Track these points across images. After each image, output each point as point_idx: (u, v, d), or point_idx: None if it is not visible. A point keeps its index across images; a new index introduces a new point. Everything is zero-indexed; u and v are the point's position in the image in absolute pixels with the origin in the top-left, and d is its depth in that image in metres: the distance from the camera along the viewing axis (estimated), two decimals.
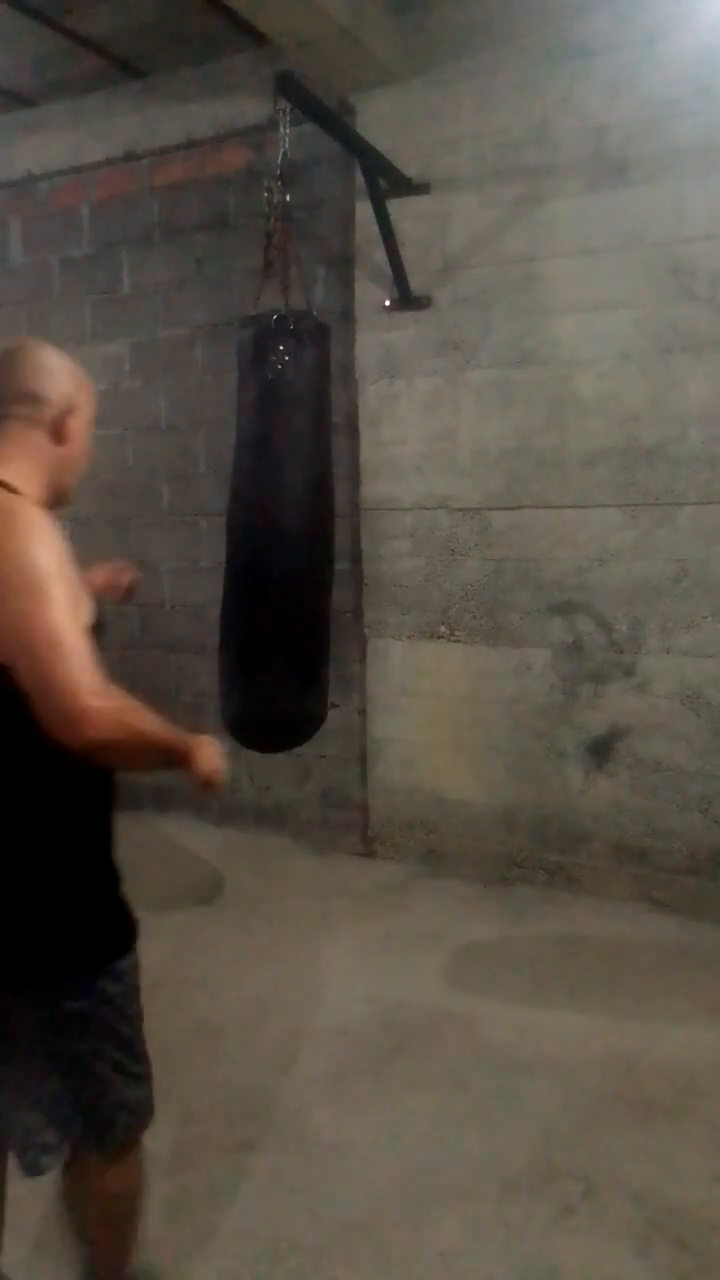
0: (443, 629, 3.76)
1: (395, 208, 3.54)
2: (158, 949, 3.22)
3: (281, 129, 2.83)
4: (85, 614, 1.45)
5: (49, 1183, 2.14)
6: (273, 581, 2.90)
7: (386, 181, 3.52)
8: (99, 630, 1.53)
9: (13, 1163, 1.66)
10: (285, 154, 2.84)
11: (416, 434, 3.73)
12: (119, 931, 1.62)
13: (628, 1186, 2.09)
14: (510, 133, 3.46)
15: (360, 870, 3.87)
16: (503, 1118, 2.33)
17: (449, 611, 3.74)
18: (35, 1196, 2.09)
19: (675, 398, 3.32)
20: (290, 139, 2.86)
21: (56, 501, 1.62)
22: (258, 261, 2.90)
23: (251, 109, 3.91)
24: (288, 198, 2.87)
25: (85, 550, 5.06)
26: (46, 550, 1.37)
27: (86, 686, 1.33)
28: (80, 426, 1.66)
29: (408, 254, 3.60)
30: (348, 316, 3.82)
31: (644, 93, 3.26)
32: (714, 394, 3.27)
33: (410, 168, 3.59)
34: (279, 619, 2.91)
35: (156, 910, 3.55)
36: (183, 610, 4.38)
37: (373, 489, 3.84)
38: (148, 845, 4.15)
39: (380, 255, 3.58)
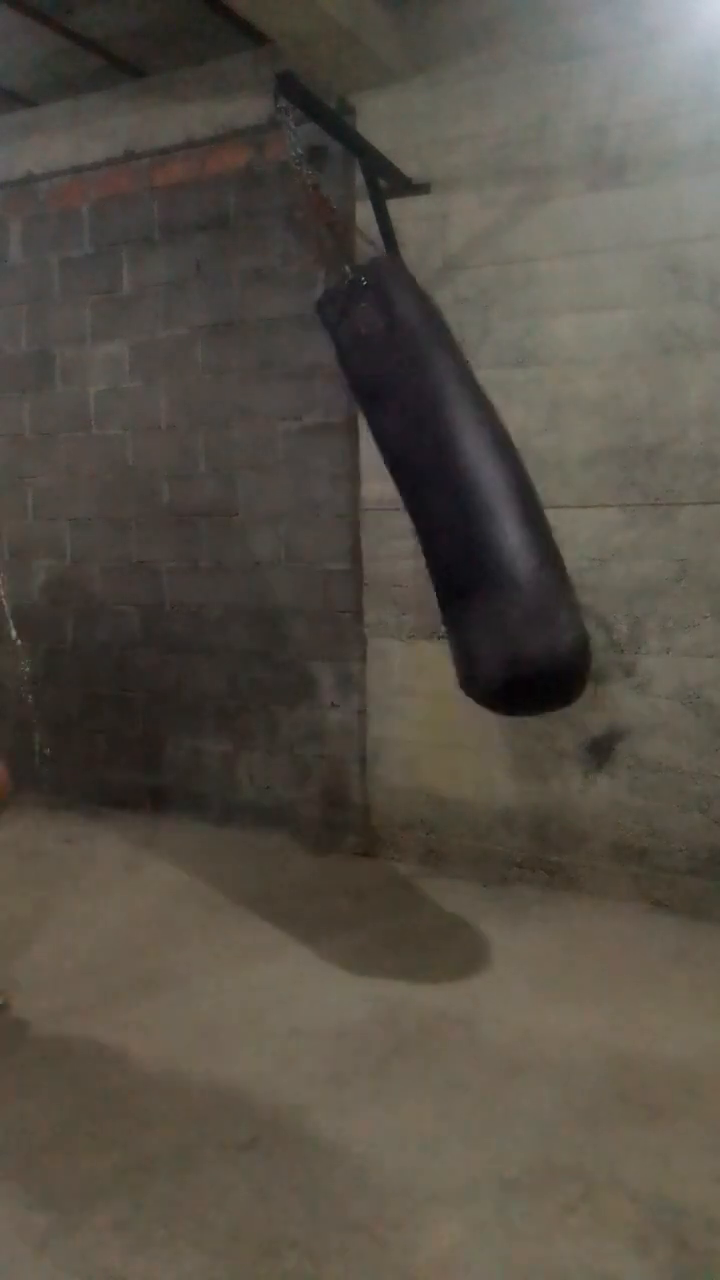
0: (443, 629, 3.75)
1: (395, 208, 3.54)
2: (158, 948, 3.23)
3: (288, 124, 2.84)
4: None
5: (50, 1182, 2.14)
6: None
7: (386, 181, 3.52)
8: None
9: None
10: (296, 143, 2.86)
11: None
12: None
13: (628, 1186, 2.09)
14: (510, 133, 3.46)
15: (360, 870, 3.87)
16: (503, 1118, 2.33)
17: None
18: (36, 1196, 2.10)
19: (675, 398, 3.32)
20: (298, 131, 2.88)
21: None
22: (311, 239, 2.94)
23: (251, 109, 3.91)
24: (311, 175, 2.92)
25: (85, 550, 5.04)
26: None
27: None
28: None
29: (408, 254, 3.59)
30: None
31: (644, 93, 3.26)
32: (714, 394, 3.27)
33: (410, 168, 3.59)
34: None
35: (156, 910, 3.57)
36: (183, 610, 4.38)
37: (373, 489, 3.84)
38: (148, 845, 4.15)
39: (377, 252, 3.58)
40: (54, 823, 4.44)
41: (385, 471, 3.79)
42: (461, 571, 2.64)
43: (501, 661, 2.57)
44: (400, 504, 3.79)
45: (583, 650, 2.58)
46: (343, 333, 2.84)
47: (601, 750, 3.53)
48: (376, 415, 2.80)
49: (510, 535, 2.57)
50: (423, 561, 3.75)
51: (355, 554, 3.92)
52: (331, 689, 4.05)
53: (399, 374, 2.71)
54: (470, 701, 3.78)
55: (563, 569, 2.69)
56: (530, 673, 2.54)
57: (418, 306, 2.82)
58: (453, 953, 3.17)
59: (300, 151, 2.87)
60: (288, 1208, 2.05)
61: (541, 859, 3.66)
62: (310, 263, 2.87)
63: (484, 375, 3.57)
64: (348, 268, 2.82)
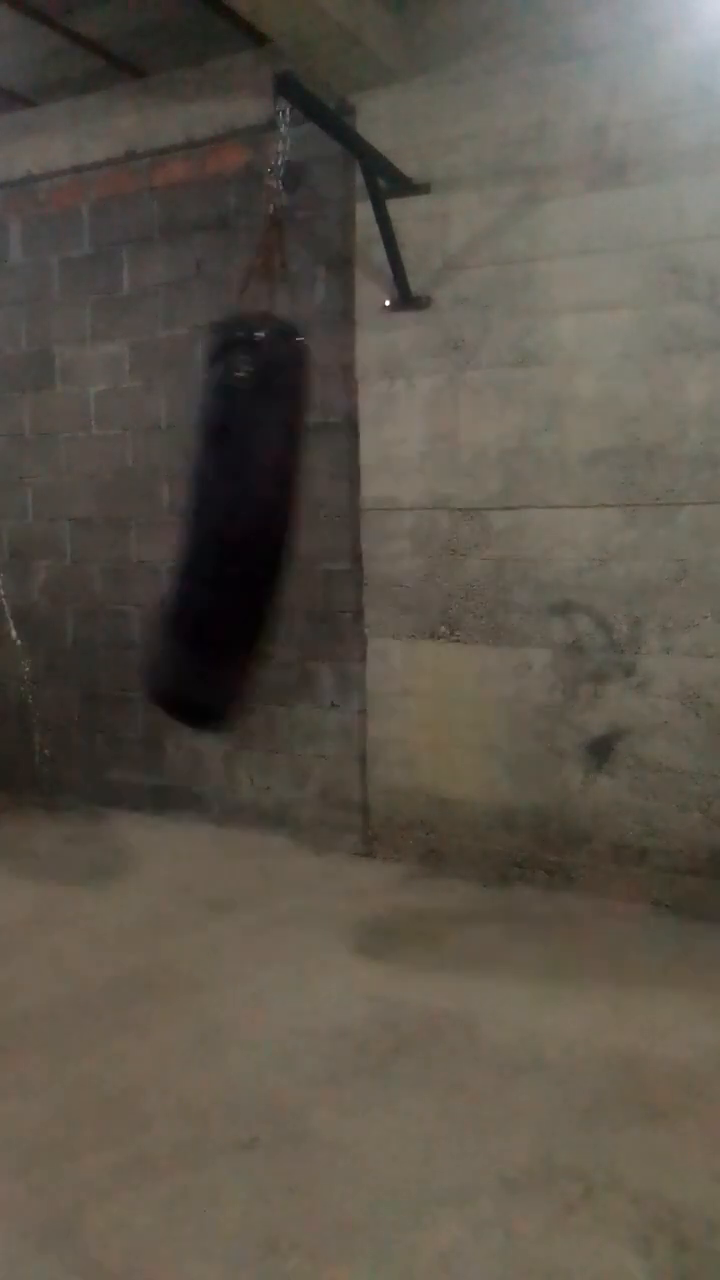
0: (443, 629, 3.76)
1: (395, 208, 3.54)
2: (158, 948, 3.22)
3: (280, 129, 2.82)
4: None
5: (50, 1181, 2.14)
6: (229, 580, 2.76)
7: (386, 181, 3.53)
8: None
9: None
10: (284, 154, 2.82)
11: (416, 434, 3.73)
12: None
13: (628, 1186, 2.09)
14: (510, 133, 3.46)
15: (360, 870, 3.87)
16: (503, 1118, 2.33)
17: (449, 611, 3.74)
18: (36, 1196, 2.10)
19: (675, 398, 3.32)
20: (289, 139, 2.85)
21: None
22: (248, 261, 2.85)
23: (251, 109, 3.91)
24: (283, 198, 2.84)
25: (85, 550, 5.05)
26: None
27: None
28: None
29: (408, 254, 3.60)
30: (348, 316, 3.83)
31: (644, 93, 3.26)
32: (714, 394, 3.27)
33: (410, 168, 3.59)
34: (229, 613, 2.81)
35: (156, 910, 3.57)
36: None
37: (373, 489, 3.84)
38: (148, 845, 4.15)
39: (380, 255, 3.59)
40: (54, 823, 4.44)
41: (385, 471, 3.83)
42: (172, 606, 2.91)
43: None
44: (400, 504, 3.82)
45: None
46: (219, 368, 2.72)
47: (602, 750, 3.53)
48: (207, 457, 2.77)
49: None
50: (423, 561, 3.78)
51: (355, 554, 3.92)
52: (331, 689, 4.05)
53: (240, 433, 2.69)
54: (471, 701, 3.80)
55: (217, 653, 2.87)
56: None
57: (290, 387, 2.75)
58: (453, 953, 3.17)
59: (282, 158, 2.81)
60: (288, 1208, 2.05)
61: (541, 859, 3.66)
62: (249, 272, 2.79)
63: (484, 375, 3.59)
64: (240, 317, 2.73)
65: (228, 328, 2.69)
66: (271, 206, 2.81)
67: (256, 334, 2.64)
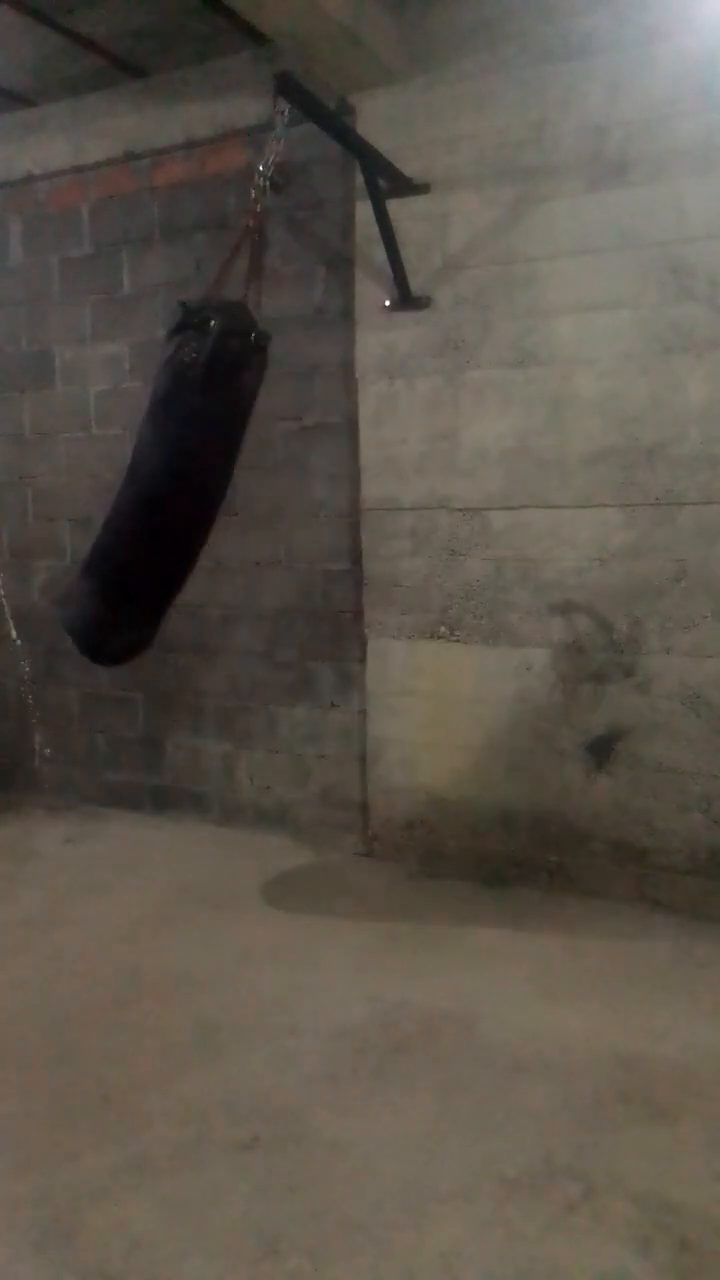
0: (443, 629, 3.76)
1: (395, 208, 3.54)
2: (158, 948, 3.23)
3: (277, 129, 2.81)
4: None
5: (50, 1181, 2.14)
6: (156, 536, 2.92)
7: (386, 181, 3.52)
8: None
9: None
10: (278, 155, 2.80)
11: (416, 434, 3.73)
12: None
13: (628, 1186, 2.09)
14: (510, 133, 3.46)
15: (360, 870, 3.87)
16: (503, 1118, 2.33)
17: (449, 611, 3.74)
18: (36, 1196, 2.10)
19: (675, 398, 3.32)
20: (285, 139, 2.83)
21: None
22: (225, 259, 2.86)
23: (251, 109, 3.91)
24: (269, 198, 2.83)
25: (85, 550, 5.05)
26: None
27: None
28: None
29: (408, 254, 3.60)
30: (348, 316, 3.83)
31: (644, 93, 3.26)
32: (714, 394, 3.27)
33: (410, 168, 3.59)
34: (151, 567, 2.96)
35: (156, 910, 3.57)
36: (182, 610, 4.36)
37: (373, 489, 3.84)
38: (148, 845, 4.15)
39: (380, 255, 3.59)
40: (54, 823, 4.44)
41: (385, 471, 3.83)
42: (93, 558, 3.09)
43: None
44: (400, 504, 3.82)
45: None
46: (170, 346, 2.79)
47: (602, 750, 3.53)
48: (147, 426, 2.87)
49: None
50: (423, 561, 3.78)
51: (355, 554, 3.92)
52: (331, 689, 4.05)
53: (180, 408, 2.77)
54: (471, 701, 3.80)
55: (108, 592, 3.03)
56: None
57: (233, 380, 2.80)
58: (453, 953, 3.17)
59: (272, 159, 2.78)
60: (288, 1208, 2.05)
61: (541, 859, 3.66)
62: (228, 268, 2.79)
63: (484, 375, 3.59)
64: (185, 303, 2.76)
65: (188, 310, 2.73)
66: (259, 205, 2.80)
67: (210, 322, 2.67)
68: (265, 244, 2.79)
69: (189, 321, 2.71)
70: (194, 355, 2.68)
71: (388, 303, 3.71)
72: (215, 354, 2.67)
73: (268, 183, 2.80)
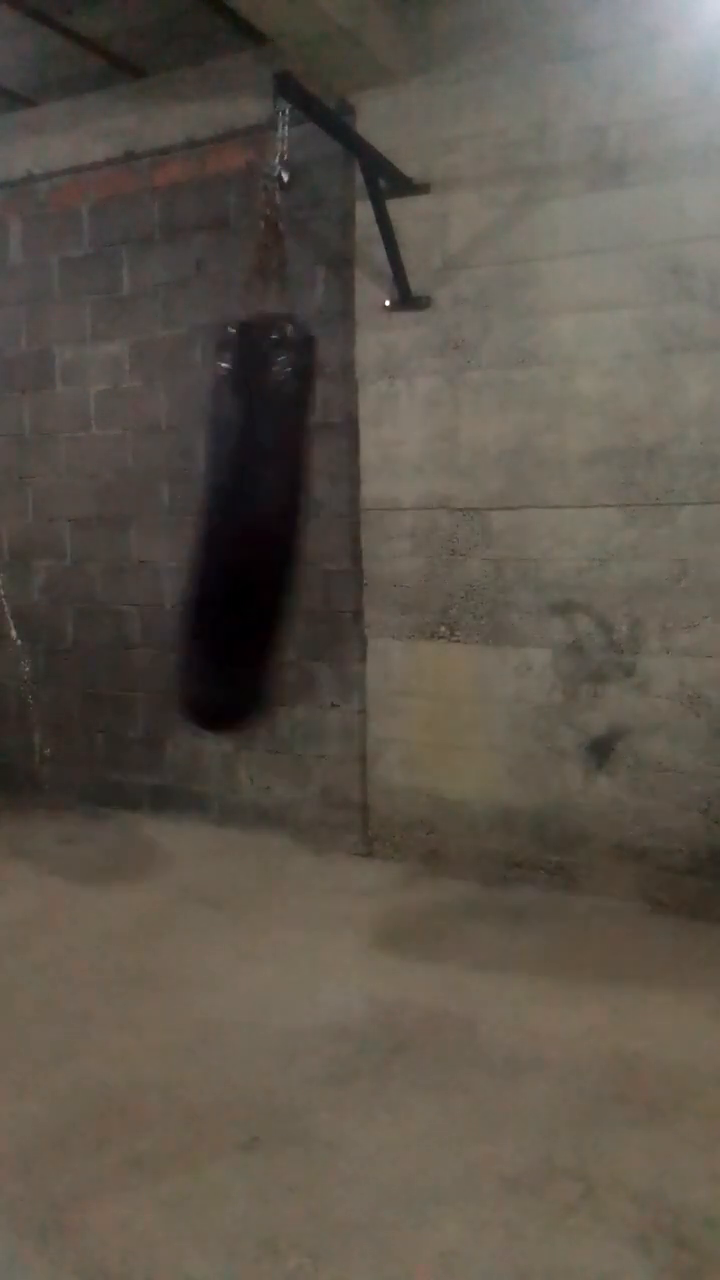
0: (443, 629, 3.76)
1: (395, 208, 3.54)
2: (158, 948, 3.22)
3: (280, 129, 2.81)
4: None
5: (50, 1181, 2.14)
6: (237, 581, 2.81)
7: (386, 181, 3.52)
8: None
9: None
10: (284, 155, 2.82)
11: (416, 434, 3.73)
12: None
13: (628, 1186, 2.09)
14: (510, 133, 3.46)
15: (360, 870, 3.87)
16: (503, 1118, 2.33)
17: (449, 611, 3.74)
18: (36, 1196, 2.10)
19: (675, 398, 3.32)
20: (289, 140, 2.84)
21: None
22: (251, 262, 2.85)
23: (251, 109, 3.91)
24: (279, 200, 2.83)
25: (85, 550, 5.05)
26: None
27: None
28: None
29: (408, 254, 3.60)
30: (348, 316, 3.83)
31: (644, 93, 3.26)
32: (714, 394, 3.27)
33: (410, 168, 3.59)
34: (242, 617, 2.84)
35: (156, 909, 3.57)
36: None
37: (373, 489, 3.84)
38: (147, 845, 4.15)
39: (380, 255, 3.59)
40: (54, 823, 4.44)
41: (385, 471, 3.82)
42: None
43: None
44: (400, 504, 3.81)
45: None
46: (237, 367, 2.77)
47: (602, 750, 3.53)
48: (219, 453, 2.81)
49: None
50: (423, 561, 3.78)
51: (355, 554, 3.92)
52: (331, 689, 4.05)
53: (255, 432, 2.73)
54: (471, 701, 3.80)
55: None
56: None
57: (304, 387, 2.79)
58: (453, 953, 3.17)
59: (280, 166, 2.78)
60: (288, 1208, 2.05)
61: (541, 859, 3.66)
62: (251, 273, 2.79)
63: (484, 375, 3.59)
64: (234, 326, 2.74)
65: (248, 326, 2.70)
66: (268, 208, 2.80)
67: (275, 334, 2.67)
68: (282, 243, 2.79)
69: (253, 338, 2.69)
70: (275, 368, 2.66)
71: (388, 303, 3.71)
72: (290, 364, 2.68)
73: (279, 180, 2.80)
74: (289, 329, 2.71)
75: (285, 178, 2.80)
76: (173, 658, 3.08)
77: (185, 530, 4.27)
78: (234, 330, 2.74)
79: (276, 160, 2.79)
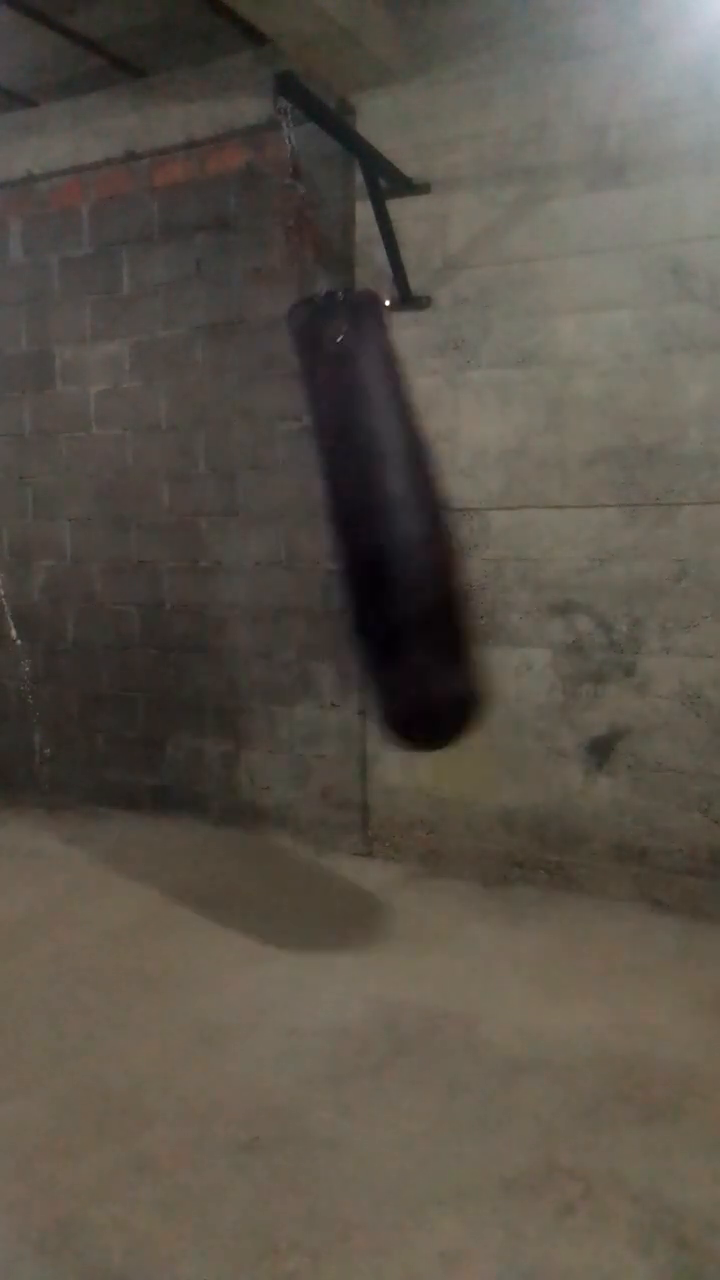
0: None
1: (395, 208, 3.54)
2: (158, 948, 3.22)
3: (285, 130, 2.83)
4: None
5: (50, 1181, 2.14)
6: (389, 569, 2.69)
7: (386, 181, 3.52)
8: None
9: None
10: (293, 149, 2.84)
11: None
12: None
13: (628, 1186, 2.09)
14: (510, 133, 3.46)
15: (360, 870, 3.87)
16: (503, 1118, 2.33)
17: None
18: (36, 1196, 2.10)
19: (675, 398, 3.32)
20: (296, 136, 2.85)
21: None
22: (281, 256, 2.91)
23: (251, 109, 3.91)
24: (302, 189, 2.89)
25: (85, 550, 5.06)
26: None
27: None
28: None
29: (408, 254, 3.60)
30: None
31: (644, 93, 3.26)
32: (714, 394, 3.27)
33: (410, 168, 3.59)
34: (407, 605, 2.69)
35: (156, 909, 3.57)
36: (183, 610, 4.38)
37: None
38: (148, 845, 4.15)
39: (380, 255, 3.58)
40: (54, 823, 4.44)
41: None
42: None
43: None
44: None
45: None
46: (309, 342, 2.84)
47: (601, 750, 3.53)
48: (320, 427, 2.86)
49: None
50: None
51: None
52: (331, 689, 4.05)
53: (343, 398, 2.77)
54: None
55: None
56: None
57: (378, 343, 2.84)
58: (453, 953, 3.17)
59: (292, 153, 2.84)
60: (288, 1208, 2.05)
61: (541, 859, 3.66)
62: (293, 266, 2.85)
63: (484, 375, 3.59)
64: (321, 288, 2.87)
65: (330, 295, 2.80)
66: (295, 205, 2.86)
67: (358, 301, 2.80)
68: (316, 233, 2.87)
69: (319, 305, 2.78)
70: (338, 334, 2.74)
71: (388, 303, 3.71)
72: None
73: (295, 186, 2.89)
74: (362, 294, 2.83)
75: (299, 168, 2.86)
76: (363, 677, 2.91)
77: (185, 530, 4.31)
78: (317, 300, 2.81)
79: (293, 152, 2.83)
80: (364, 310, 2.83)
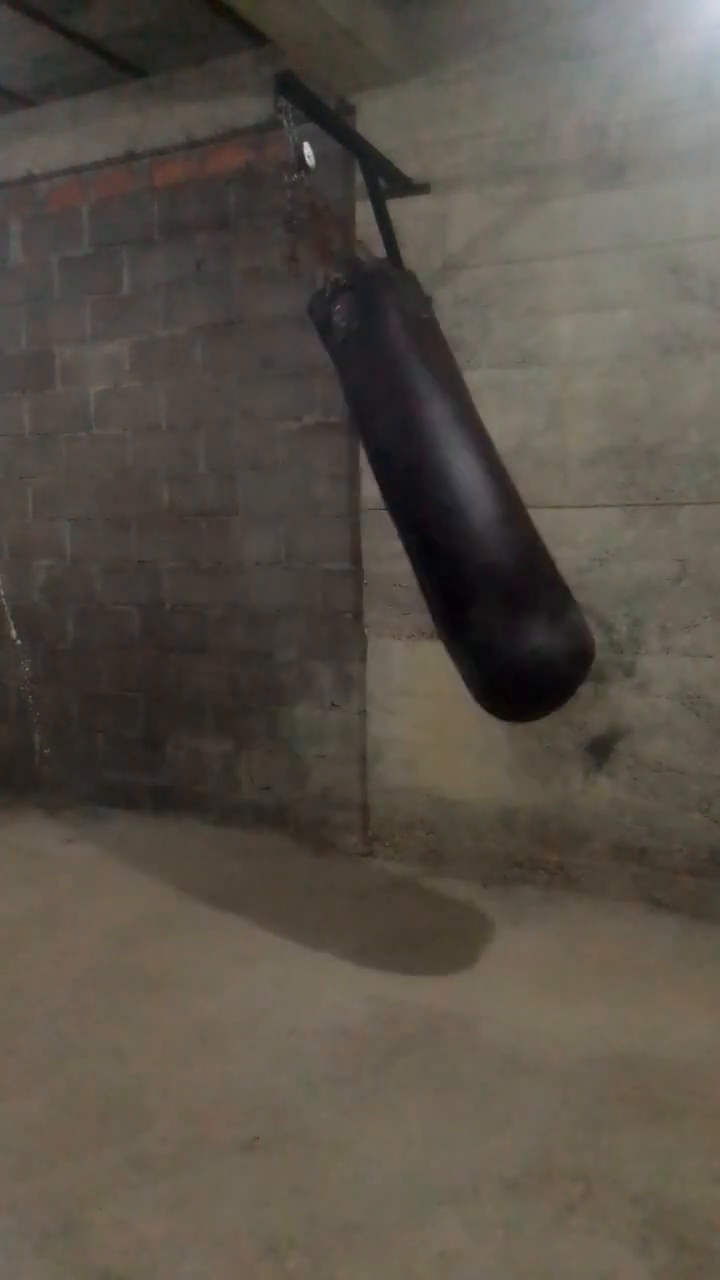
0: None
1: (395, 208, 3.54)
2: (158, 948, 3.22)
3: (288, 130, 2.83)
4: None
5: (50, 1181, 2.14)
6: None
7: (386, 181, 3.52)
8: None
9: None
10: (296, 147, 2.84)
11: None
12: None
13: (628, 1186, 2.09)
14: (510, 132, 3.46)
15: (360, 870, 3.87)
16: (503, 1118, 2.33)
17: None
18: (36, 1196, 2.10)
19: (675, 398, 3.32)
20: (297, 133, 2.86)
21: None
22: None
23: (251, 109, 3.91)
24: (307, 185, 2.92)
25: (85, 550, 5.06)
26: None
27: None
28: None
29: (408, 254, 3.59)
30: None
31: (644, 93, 3.26)
32: (714, 394, 3.27)
33: (410, 168, 3.59)
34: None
35: (156, 910, 3.57)
36: (183, 610, 4.38)
37: (373, 489, 3.83)
38: (147, 845, 4.15)
39: (380, 255, 3.58)
40: (54, 823, 4.44)
41: None
42: (446, 581, 2.84)
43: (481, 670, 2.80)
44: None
45: (564, 656, 2.77)
46: (329, 330, 2.90)
47: (601, 750, 3.53)
48: (364, 417, 2.91)
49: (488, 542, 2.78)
50: None
51: (355, 554, 3.92)
52: (331, 689, 4.05)
53: (378, 379, 2.82)
54: (471, 701, 3.79)
55: (544, 575, 2.86)
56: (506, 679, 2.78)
57: (402, 312, 2.89)
58: (453, 953, 3.17)
59: (299, 156, 2.86)
60: (288, 1208, 2.05)
61: (541, 859, 3.66)
62: (309, 264, 2.87)
63: (484, 375, 3.59)
64: (331, 272, 2.91)
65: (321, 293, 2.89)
66: (311, 202, 2.90)
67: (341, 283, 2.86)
68: (334, 228, 2.89)
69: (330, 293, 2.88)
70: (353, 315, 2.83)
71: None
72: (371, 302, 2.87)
73: (303, 173, 2.89)
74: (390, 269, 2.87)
75: (311, 161, 2.89)
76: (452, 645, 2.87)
77: (185, 530, 4.31)
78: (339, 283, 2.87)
79: (302, 153, 2.85)
80: (380, 283, 2.91)
